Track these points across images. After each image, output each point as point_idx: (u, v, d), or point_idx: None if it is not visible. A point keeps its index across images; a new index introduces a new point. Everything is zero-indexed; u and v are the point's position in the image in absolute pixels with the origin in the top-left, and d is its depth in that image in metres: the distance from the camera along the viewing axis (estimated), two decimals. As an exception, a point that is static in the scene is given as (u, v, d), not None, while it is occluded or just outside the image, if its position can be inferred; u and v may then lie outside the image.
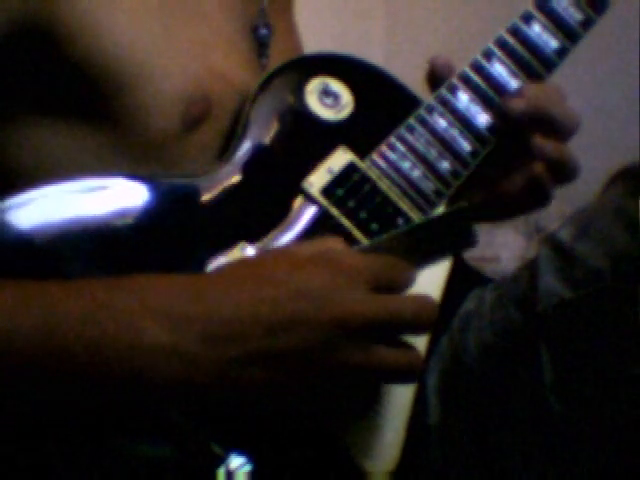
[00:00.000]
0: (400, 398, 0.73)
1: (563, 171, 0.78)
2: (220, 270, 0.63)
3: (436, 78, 0.79)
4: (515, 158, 0.79)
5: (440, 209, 0.78)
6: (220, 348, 0.59)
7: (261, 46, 0.81)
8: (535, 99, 0.77)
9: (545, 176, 0.78)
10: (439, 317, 0.75)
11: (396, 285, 0.64)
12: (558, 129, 0.77)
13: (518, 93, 0.77)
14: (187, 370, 0.58)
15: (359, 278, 0.61)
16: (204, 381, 0.59)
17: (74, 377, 0.58)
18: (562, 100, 0.78)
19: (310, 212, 0.74)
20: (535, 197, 0.80)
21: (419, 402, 0.74)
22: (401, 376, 0.64)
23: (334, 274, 0.61)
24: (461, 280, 0.79)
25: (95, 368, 0.58)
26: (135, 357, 0.58)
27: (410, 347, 0.64)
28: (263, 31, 0.81)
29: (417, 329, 0.64)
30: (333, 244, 0.65)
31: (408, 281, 0.64)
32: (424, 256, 0.68)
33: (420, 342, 0.74)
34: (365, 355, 0.61)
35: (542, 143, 0.77)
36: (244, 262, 0.64)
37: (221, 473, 0.63)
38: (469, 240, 0.69)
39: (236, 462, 0.64)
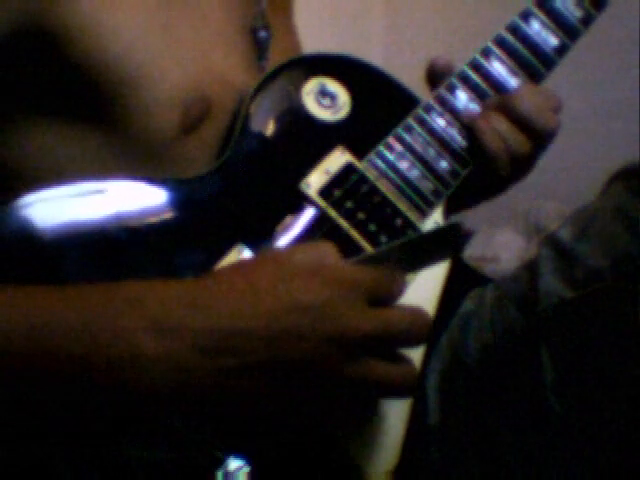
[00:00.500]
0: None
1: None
2: (216, 277, 0.63)
3: (436, 79, 0.79)
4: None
5: (439, 209, 0.78)
6: (217, 359, 0.59)
7: (260, 48, 0.81)
8: (530, 103, 0.77)
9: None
10: (439, 317, 0.76)
11: (389, 297, 0.64)
12: (535, 135, 0.78)
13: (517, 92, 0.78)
14: (183, 380, 0.58)
15: (355, 292, 0.61)
16: (200, 391, 0.59)
17: (69, 385, 0.58)
18: (552, 108, 0.78)
19: (308, 213, 0.74)
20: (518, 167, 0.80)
21: (419, 402, 0.74)
22: (396, 391, 0.64)
23: (330, 288, 0.61)
24: (461, 280, 0.79)
25: (90, 377, 0.58)
26: (131, 367, 0.58)
27: (405, 361, 0.64)
28: (262, 33, 0.81)
29: (412, 342, 0.64)
30: (325, 252, 0.64)
31: (400, 292, 0.64)
32: (415, 265, 0.68)
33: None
34: (361, 370, 0.61)
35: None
36: (241, 270, 0.63)
37: (220, 475, 0.63)
38: (458, 248, 0.70)
39: (235, 464, 0.64)
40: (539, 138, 0.79)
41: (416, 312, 0.64)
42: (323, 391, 0.61)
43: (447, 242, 0.67)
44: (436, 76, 0.79)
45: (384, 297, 0.63)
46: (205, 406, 0.60)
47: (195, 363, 0.58)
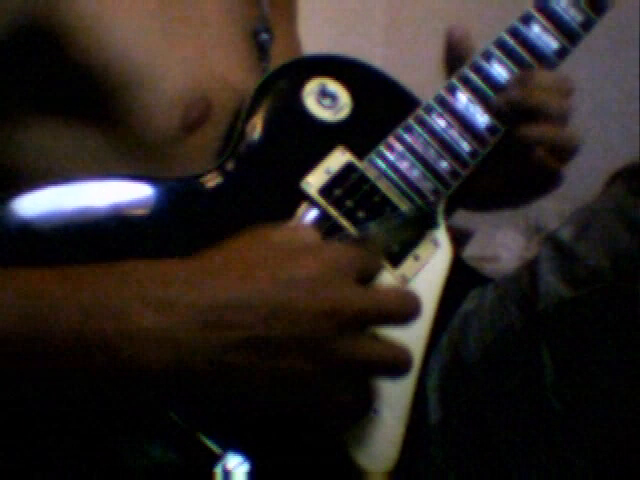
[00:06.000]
0: (400, 398, 0.73)
1: (562, 151, 0.80)
2: (211, 255, 0.63)
3: (453, 53, 0.80)
4: (515, 148, 0.80)
5: (439, 209, 0.78)
6: (214, 334, 0.58)
7: (261, 51, 0.81)
8: (517, 90, 0.78)
9: (547, 158, 0.79)
10: (439, 317, 0.76)
11: (373, 276, 0.64)
12: (543, 115, 0.78)
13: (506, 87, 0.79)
14: (180, 357, 0.58)
15: (346, 269, 0.61)
16: (197, 368, 0.58)
17: (65, 363, 0.57)
18: (548, 86, 0.79)
19: (309, 212, 0.74)
20: (543, 180, 0.81)
21: (419, 402, 0.74)
22: (390, 369, 0.64)
23: (323, 264, 0.61)
24: (461, 280, 0.79)
25: (86, 354, 0.57)
26: (127, 343, 0.57)
27: (397, 342, 0.64)
28: (264, 36, 0.81)
29: (403, 320, 0.63)
30: (304, 233, 0.64)
31: (378, 270, 0.65)
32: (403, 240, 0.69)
33: (419, 342, 0.74)
34: (354, 346, 0.61)
35: (529, 129, 0.78)
36: (235, 247, 0.63)
37: (218, 472, 0.63)
38: (434, 223, 0.71)
39: (234, 461, 0.63)
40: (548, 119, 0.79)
41: (405, 291, 0.65)
42: (318, 368, 0.60)
43: (426, 221, 0.68)
44: (453, 50, 0.79)
45: (370, 276, 0.64)
46: (202, 385, 0.60)
47: (192, 338, 0.58)
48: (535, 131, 0.79)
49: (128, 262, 0.61)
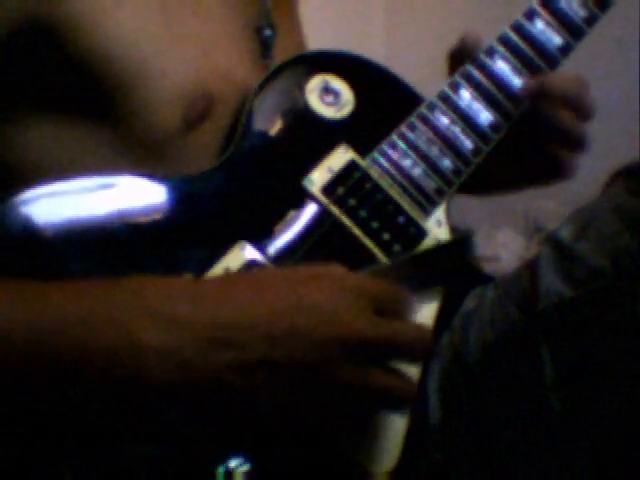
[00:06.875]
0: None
1: (576, 141, 0.81)
2: (222, 276, 0.63)
3: (462, 57, 0.79)
4: (526, 141, 0.81)
5: (441, 208, 0.78)
6: (217, 353, 0.59)
7: (265, 46, 0.81)
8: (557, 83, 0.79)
9: (561, 149, 0.81)
10: (439, 317, 0.75)
11: (397, 311, 0.63)
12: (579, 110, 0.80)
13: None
14: (183, 373, 0.58)
15: (361, 298, 0.61)
16: (199, 385, 0.59)
17: (69, 377, 0.58)
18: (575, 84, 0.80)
19: (311, 211, 0.74)
20: (555, 170, 0.82)
21: (419, 402, 0.74)
22: (392, 402, 0.64)
23: (337, 291, 0.61)
24: (462, 279, 0.79)
25: (89, 369, 0.58)
26: (130, 358, 0.58)
27: (405, 375, 0.63)
28: (267, 32, 0.81)
29: (413, 356, 0.64)
30: (334, 265, 0.64)
31: (408, 310, 0.64)
32: (425, 286, 0.68)
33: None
34: (359, 375, 0.60)
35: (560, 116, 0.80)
36: (246, 272, 0.64)
37: (220, 472, 0.63)
38: (471, 273, 0.70)
39: (235, 461, 0.63)
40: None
41: (422, 328, 0.64)
42: (320, 393, 0.60)
43: (457, 257, 0.67)
44: (463, 54, 0.79)
45: (392, 310, 0.63)
46: (204, 401, 0.60)
47: (196, 357, 0.58)
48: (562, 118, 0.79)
49: (136, 278, 0.61)
